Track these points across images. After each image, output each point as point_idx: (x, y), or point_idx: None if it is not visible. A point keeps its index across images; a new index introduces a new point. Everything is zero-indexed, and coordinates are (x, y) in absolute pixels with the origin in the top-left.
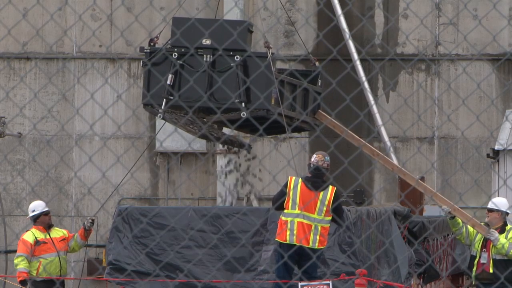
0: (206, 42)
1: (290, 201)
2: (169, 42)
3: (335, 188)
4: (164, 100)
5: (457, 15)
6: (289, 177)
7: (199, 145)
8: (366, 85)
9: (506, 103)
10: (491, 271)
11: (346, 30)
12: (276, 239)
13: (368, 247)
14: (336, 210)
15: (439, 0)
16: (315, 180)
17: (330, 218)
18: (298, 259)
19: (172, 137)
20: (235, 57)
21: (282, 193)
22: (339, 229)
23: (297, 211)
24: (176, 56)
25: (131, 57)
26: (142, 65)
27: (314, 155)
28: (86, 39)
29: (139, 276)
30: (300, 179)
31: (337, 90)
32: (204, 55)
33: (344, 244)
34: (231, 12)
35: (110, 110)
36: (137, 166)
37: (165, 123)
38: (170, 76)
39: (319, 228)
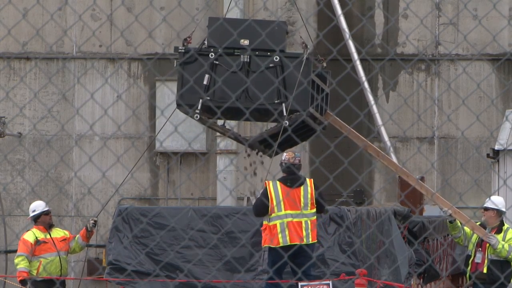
0: (244, 42)
1: (275, 205)
2: (204, 42)
3: (312, 179)
4: (200, 100)
5: (457, 15)
6: (265, 182)
7: (199, 145)
8: (366, 85)
9: (506, 103)
10: (485, 271)
11: (346, 30)
12: (267, 245)
13: (368, 247)
14: (319, 199)
15: (439, 0)
16: (292, 177)
17: (315, 210)
18: (293, 258)
19: (172, 137)
20: (274, 58)
21: (263, 201)
22: (339, 229)
23: (283, 212)
24: (213, 56)
25: (131, 57)
26: (176, 65)
27: (284, 154)
28: (86, 39)
29: (139, 276)
30: (277, 181)
31: (337, 90)
32: (241, 56)
33: (344, 244)
34: (231, 12)
35: (110, 110)
36: (137, 166)
37: (165, 123)
38: (206, 76)
39: (309, 222)
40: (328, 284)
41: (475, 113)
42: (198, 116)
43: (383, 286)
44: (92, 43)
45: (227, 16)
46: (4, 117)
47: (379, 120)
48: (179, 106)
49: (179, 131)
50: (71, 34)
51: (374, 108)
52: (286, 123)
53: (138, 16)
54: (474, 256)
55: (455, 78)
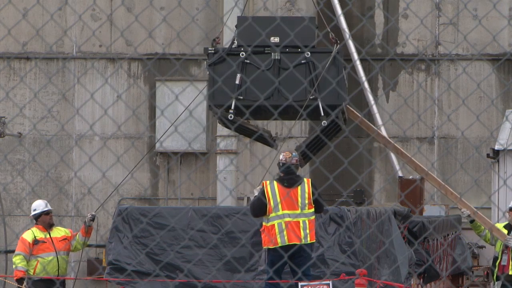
0: (274, 39)
1: (272, 205)
2: (234, 41)
3: (309, 179)
4: (234, 100)
5: (457, 15)
6: (263, 182)
7: (199, 145)
8: (366, 85)
9: (506, 103)
10: (510, 272)
11: (346, 30)
12: (266, 246)
13: (368, 247)
14: (317, 200)
15: (439, 0)
16: (289, 177)
17: (313, 210)
18: (291, 258)
19: (172, 137)
20: (305, 54)
21: (261, 201)
22: (339, 229)
23: (281, 212)
24: (244, 55)
25: (131, 57)
26: (206, 67)
27: (282, 154)
28: (86, 39)
29: (139, 276)
30: (274, 181)
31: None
32: (272, 53)
33: (344, 244)
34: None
35: (110, 110)
36: (137, 166)
37: (170, 127)
38: (238, 75)
39: (307, 222)
40: (328, 284)
41: (475, 113)
42: (232, 116)
43: (383, 286)
44: (92, 43)
45: (226, 17)
46: (4, 117)
47: (379, 120)
48: (211, 108)
49: (179, 131)
50: (71, 34)
51: (374, 108)
52: (325, 122)
53: (138, 16)
54: (501, 258)
55: (455, 78)
